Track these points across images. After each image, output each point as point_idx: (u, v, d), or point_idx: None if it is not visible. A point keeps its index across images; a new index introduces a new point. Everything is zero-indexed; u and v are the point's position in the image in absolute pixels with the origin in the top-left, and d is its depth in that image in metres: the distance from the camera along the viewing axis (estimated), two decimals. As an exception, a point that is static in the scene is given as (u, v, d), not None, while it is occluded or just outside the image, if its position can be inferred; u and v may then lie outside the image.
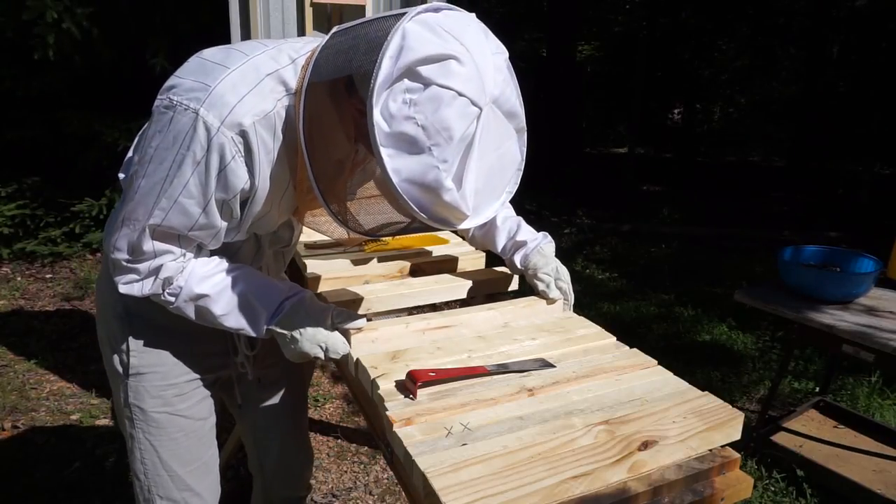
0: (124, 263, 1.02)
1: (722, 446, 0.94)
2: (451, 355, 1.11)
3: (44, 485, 2.30)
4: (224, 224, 1.03)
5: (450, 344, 1.16)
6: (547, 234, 1.41)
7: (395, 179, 0.82)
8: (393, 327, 1.18)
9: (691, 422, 0.92)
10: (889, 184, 8.49)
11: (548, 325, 1.26)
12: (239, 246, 1.16)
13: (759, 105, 13.31)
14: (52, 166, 4.64)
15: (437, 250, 1.69)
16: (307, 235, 1.74)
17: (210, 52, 0.97)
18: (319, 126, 0.91)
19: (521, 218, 1.43)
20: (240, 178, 0.96)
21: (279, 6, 2.50)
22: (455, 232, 1.48)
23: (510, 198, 0.98)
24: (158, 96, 0.95)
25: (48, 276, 4.51)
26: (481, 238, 1.47)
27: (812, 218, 6.99)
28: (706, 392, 1.01)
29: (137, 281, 1.04)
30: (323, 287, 1.45)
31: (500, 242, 1.40)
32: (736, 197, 8.30)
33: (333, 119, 0.94)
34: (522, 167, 0.98)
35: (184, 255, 1.04)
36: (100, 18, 3.91)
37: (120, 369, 1.20)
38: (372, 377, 1.02)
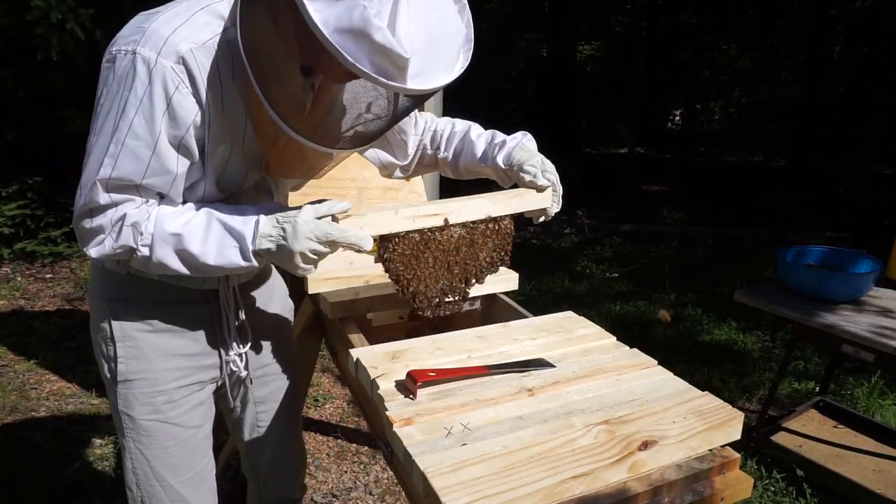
0: (88, 227, 0.98)
1: (722, 446, 0.94)
2: (451, 355, 1.11)
3: (44, 485, 2.30)
4: (181, 170, 0.99)
5: (450, 344, 1.16)
6: (527, 132, 1.33)
7: (325, 31, 0.81)
8: (381, 214, 1.12)
9: (691, 422, 0.92)
10: (889, 184, 8.49)
11: (548, 325, 1.26)
12: None
13: (760, 105, 13.31)
14: (53, 166, 4.64)
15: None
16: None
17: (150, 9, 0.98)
18: (263, 49, 0.90)
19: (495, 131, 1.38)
20: (188, 109, 0.94)
21: None
22: (443, 174, 1.43)
23: (461, 73, 0.95)
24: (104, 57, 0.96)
25: (48, 276, 4.51)
26: (462, 159, 1.37)
27: (812, 218, 6.99)
28: (706, 392, 1.01)
29: (104, 237, 0.98)
30: (323, 287, 1.45)
31: (479, 150, 1.32)
32: (736, 197, 8.30)
33: (276, 41, 0.91)
34: (472, 45, 0.96)
35: (146, 202, 0.99)
36: (102, 19, 3.91)
37: (109, 376, 1.19)
38: (372, 377, 1.02)
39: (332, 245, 1.00)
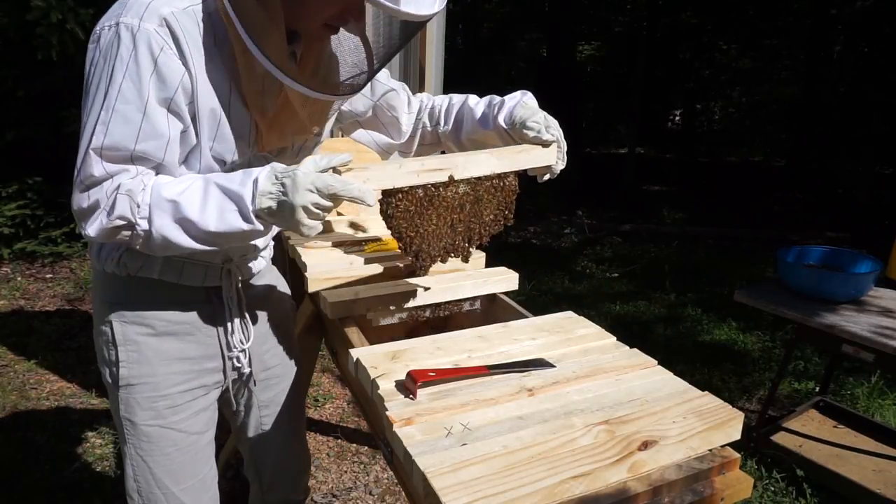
0: (85, 205, 0.96)
1: (722, 446, 0.93)
2: (451, 355, 1.11)
3: (44, 485, 2.30)
4: (173, 133, 0.98)
5: (450, 344, 1.16)
6: (526, 91, 1.30)
7: None
8: (385, 167, 1.09)
9: (691, 422, 0.92)
10: (889, 184, 8.49)
11: (548, 325, 1.26)
12: None
13: (760, 105, 13.31)
14: (53, 166, 4.64)
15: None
16: (307, 236, 1.74)
17: None
18: (248, 14, 0.93)
19: None
20: (174, 70, 0.95)
21: None
22: (448, 151, 1.42)
23: (444, 5, 0.98)
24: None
25: (48, 276, 4.52)
26: (463, 128, 1.34)
27: (812, 218, 6.99)
28: (706, 392, 1.01)
29: (100, 211, 0.95)
30: (323, 287, 1.45)
31: (479, 114, 1.29)
32: (736, 197, 8.31)
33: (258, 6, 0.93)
34: None
35: (140, 172, 0.97)
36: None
37: (110, 381, 1.18)
38: (372, 377, 1.02)
39: (335, 199, 0.95)
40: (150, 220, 0.94)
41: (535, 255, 5.62)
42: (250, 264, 1.29)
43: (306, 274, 1.47)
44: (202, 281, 1.18)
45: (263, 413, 1.40)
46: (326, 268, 1.50)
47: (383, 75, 1.32)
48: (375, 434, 1.16)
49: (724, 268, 5.24)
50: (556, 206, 7.37)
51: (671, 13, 11.95)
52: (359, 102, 1.32)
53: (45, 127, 4.55)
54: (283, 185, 0.93)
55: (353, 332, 1.31)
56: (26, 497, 2.24)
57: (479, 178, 1.19)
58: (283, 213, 0.94)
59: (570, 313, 1.33)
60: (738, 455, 0.93)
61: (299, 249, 1.62)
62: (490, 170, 1.19)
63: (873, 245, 3.48)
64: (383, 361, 1.07)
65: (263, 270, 1.38)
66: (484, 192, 1.20)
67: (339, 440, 2.67)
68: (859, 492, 2.25)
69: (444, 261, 1.22)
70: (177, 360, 1.18)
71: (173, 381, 1.18)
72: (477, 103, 1.31)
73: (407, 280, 1.51)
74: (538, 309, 1.52)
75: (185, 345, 1.19)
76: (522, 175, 1.25)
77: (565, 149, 1.26)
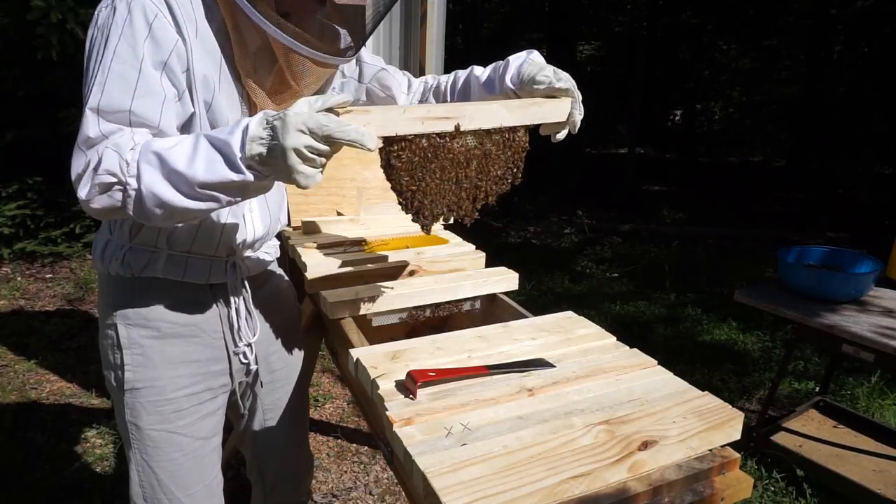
0: (80, 169, 0.93)
1: (722, 446, 0.94)
2: (451, 355, 1.11)
3: (44, 485, 2.30)
4: (169, 94, 0.98)
5: (450, 344, 1.16)
6: (532, 49, 1.25)
7: None
8: (387, 112, 1.01)
9: (691, 422, 0.92)
10: (889, 184, 8.49)
11: (548, 325, 1.26)
12: None
13: (760, 105, 13.32)
14: (53, 166, 4.63)
15: (437, 250, 1.69)
16: (307, 236, 1.74)
17: None
18: None
19: None
20: (168, 36, 0.96)
21: None
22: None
23: None
24: None
25: (48, 276, 4.51)
26: (470, 99, 1.30)
27: (812, 218, 6.99)
28: (706, 392, 1.01)
29: (90, 170, 0.92)
30: (322, 287, 1.45)
31: (484, 78, 1.26)
32: (736, 197, 8.31)
33: None
34: None
35: (135, 134, 0.95)
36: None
37: (115, 385, 1.17)
38: (372, 377, 1.02)
39: (330, 142, 0.86)
40: (138, 178, 0.90)
41: (535, 255, 5.62)
42: (254, 257, 1.28)
43: (306, 274, 1.47)
44: (206, 278, 1.17)
45: (267, 416, 1.39)
46: (326, 268, 1.50)
47: (372, 58, 1.33)
48: (375, 434, 1.16)
49: (724, 268, 5.24)
50: (556, 206, 7.37)
51: (671, 13, 11.96)
52: (350, 86, 1.33)
53: (45, 127, 4.54)
54: (273, 127, 0.86)
55: (353, 332, 1.31)
56: (26, 497, 2.24)
57: (487, 131, 1.11)
58: (274, 160, 0.86)
59: (570, 313, 1.33)
60: (738, 455, 0.93)
61: (299, 249, 1.62)
62: (500, 122, 1.11)
63: (873, 245, 3.48)
64: (383, 361, 1.07)
65: (270, 272, 1.37)
66: (493, 147, 1.12)
67: (339, 440, 2.67)
68: (859, 492, 2.25)
69: (446, 220, 1.14)
70: (182, 363, 1.17)
71: (179, 384, 1.17)
72: (483, 71, 1.28)
73: (407, 280, 1.51)
74: (538, 309, 1.52)
75: (191, 347, 1.18)
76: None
77: (580, 98, 1.17)
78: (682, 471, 0.87)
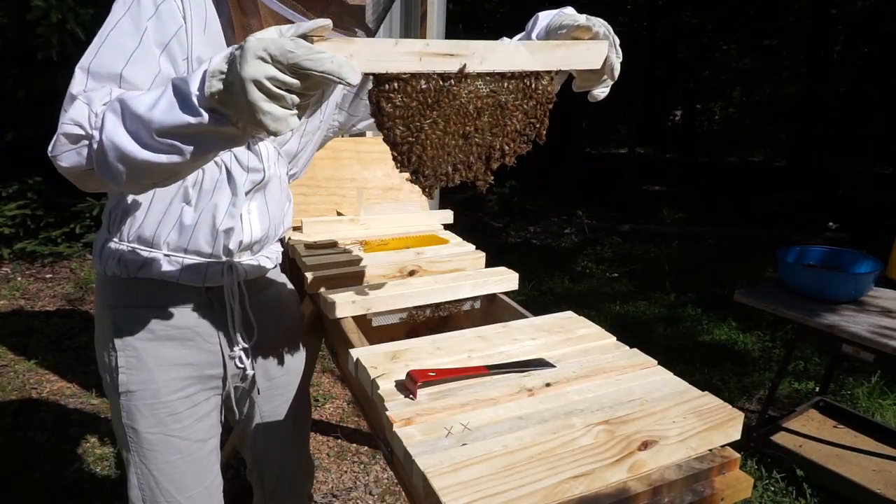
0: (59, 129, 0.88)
1: (722, 446, 0.93)
2: (451, 355, 1.11)
3: (44, 485, 2.30)
4: (164, 69, 0.95)
5: (450, 344, 1.16)
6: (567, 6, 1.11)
7: None
8: (377, 45, 0.82)
9: (691, 422, 0.92)
10: (889, 184, 8.49)
11: (548, 325, 1.26)
12: (200, 174, 1.08)
13: (760, 105, 13.32)
14: (53, 167, 4.64)
15: (437, 250, 1.69)
16: (307, 236, 1.74)
17: None
18: None
19: None
20: (174, 20, 0.96)
21: None
22: None
23: None
24: None
25: (48, 276, 4.51)
26: None
27: (812, 218, 6.99)
28: (706, 392, 1.01)
29: (62, 124, 0.86)
30: (322, 287, 1.45)
31: (517, 38, 1.11)
32: (736, 197, 8.31)
33: None
34: None
35: (113, 90, 0.89)
36: (102, 20, 3.92)
37: (111, 387, 1.16)
38: (372, 377, 1.02)
39: (300, 73, 0.70)
40: (101, 128, 0.81)
41: (535, 255, 5.62)
42: (253, 261, 1.25)
43: (306, 274, 1.47)
44: (202, 280, 1.16)
45: (266, 422, 1.38)
46: (326, 268, 1.50)
47: None
48: (375, 434, 1.15)
49: (724, 268, 5.24)
50: (556, 206, 7.37)
51: (671, 13, 11.95)
52: (347, 98, 1.33)
53: (45, 127, 4.53)
54: (233, 57, 0.72)
55: (353, 332, 1.31)
56: (26, 497, 2.24)
57: (502, 76, 0.94)
58: (233, 96, 0.72)
59: (570, 313, 1.33)
60: (738, 455, 0.93)
61: (299, 249, 1.62)
62: (518, 65, 0.93)
63: (873, 245, 3.48)
64: (383, 361, 1.07)
65: (270, 279, 1.34)
66: (509, 96, 0.96)
67: (339, 440, 2.67)
68: (859, 492, 2.25)
69: (453, 182, 0.97)
70: (176, 365, 1.16)
71: (174, 387, 1.16)
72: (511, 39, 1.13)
73: (407, 280, 1.51)
74: (538, 309, 1.52)
75: (186, 350, 1.17)
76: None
77: (618, 43, 0.99)
78: (682, 471, 0.87)
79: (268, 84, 0.70)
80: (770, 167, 11.31)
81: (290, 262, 1.68)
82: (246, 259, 1.22)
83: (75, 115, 0.85)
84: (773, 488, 2.37)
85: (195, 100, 0.75)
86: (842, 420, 2.73)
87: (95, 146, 0.83)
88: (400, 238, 1.77)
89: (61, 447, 2.54)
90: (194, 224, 1.11)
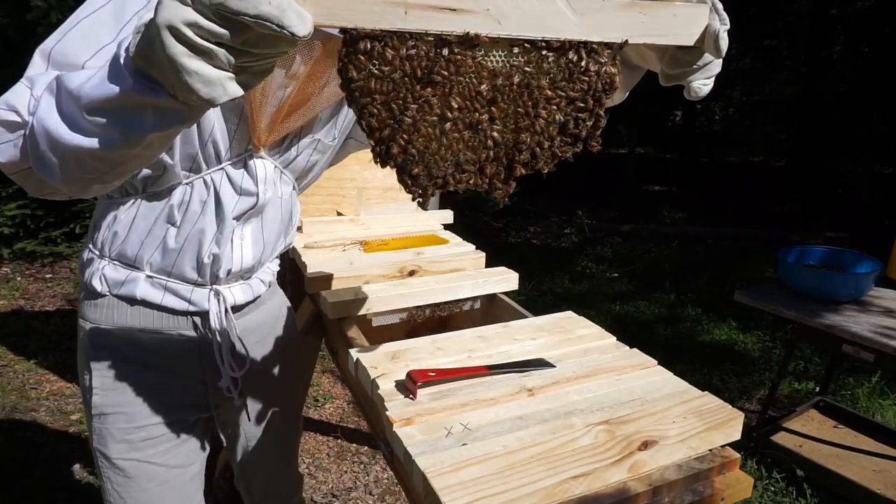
0: None
1: (722, 446, 0.93)
2: (451, 355, 1.11)
3: (44, 485, 2.30)
4: None
5: (450, 344, 1.16)
6: None
7: None
8: None
9: (691, 422, 0.92)
10: (889, 184, 8.50)
11: (548, 325, 1.26)
12: (187, 193, 0.97)
13: (760, 105, 13.32)
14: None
15: (437, 250, 1.69)
16: (307, 236, 1.74)
17: None
18: None
19: None
20: None
21: None
22: None
23: None
24: None
25: (48, 276, 4.51)
26: None
27: (812, 218, 6.99)
28: (706, 392, 1.01)
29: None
30: (322, 287, 1.45)
31: None
32: (736, 197, 8.31)
33: None
34: None
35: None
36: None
37: (86, 408, 1.08)
38: (372, 377, 1.02)
39: (228, 19, 0.52)
40: (36, 112, 0.69)
41: (535, 255, 5.62)
42: (244, 285, 1.13)
43: (306, 274, 1.47)
44: (187, 305, 1.06)
45: (251, 443, 1.28)
46: (326, 268, 1.50)
47: None
48: (375, 434, 1.15)
49: (724, 268, 5.24)
50: (556, 206, 7.37)
51: None
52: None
53: (45, 127, 4.55)
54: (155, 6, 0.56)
55: (353, 332, 1.31)
56: (26, 497, 2.24)
57: (533, 45, 0.66)
58: (153, 50, 0.55)
59: (570, 313, 1.33)
60: (738, 455, 0.93)
61: (299, 249, 1.62)
62: (557, 31, 0.65)
63: (873, 245, 3.48)
64: (383, 361, 1.07)
65: (263, 297, 1.21)
66: (543, 76, 0.68)
67: (339, 440, 2.67)
68: (859, 492, 2.25)
69: (456, 188, 0.72)
70: (155, 389, 1.08)
71: (150, 411, 1.07)
72: None
73: (407, 280, 1.51)
74: (538, 309, 1.52)
75: (167, 376, 1.09)
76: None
77: (720, 6, 0.70)
78: (682, 471, 0.87)
79: (188, 33, 0.53)
80: (770, 167, 11.31)
81: (290, 262, 1.68)
82: (237, 285, 1.12)
83: (12, 99, 0.73)
84: (773, 488, 2.37)
85: (122, 63, 0.60)
86: (842, 420, 2.73)
87: (29, 140, 0.71)
88: (400, 238, 1.77)
89: (61, 447, 2.54)
90: (179, 248, 1.02)
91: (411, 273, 1.56)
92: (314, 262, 1.52)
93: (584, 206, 7.29)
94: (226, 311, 1.09)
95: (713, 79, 0.74)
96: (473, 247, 1.72)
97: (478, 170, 0.71)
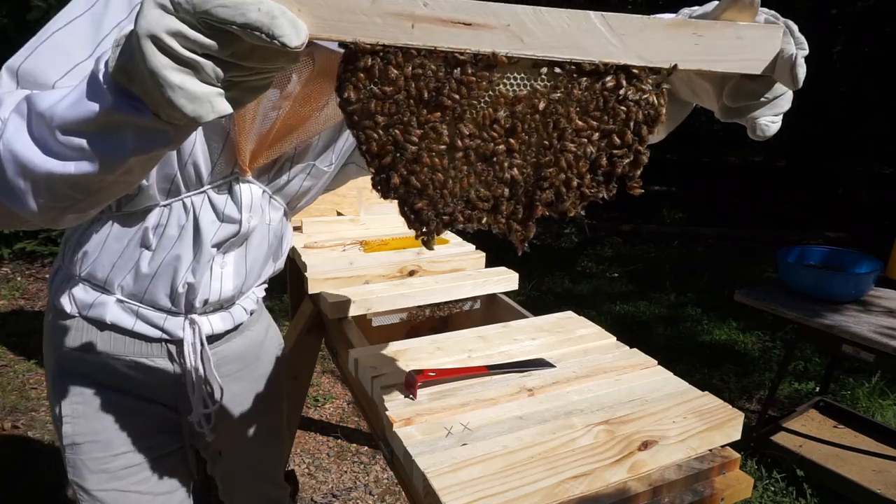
0: None
1: (722, 446, 0.93)
2: (451, 355, 1.11)
3: (44, 485, 2.30)
4: None
5: (450, 344, 1.16)
6: None
7: None
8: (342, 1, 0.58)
9: (691, 422, 0.92)
10: (889, 184, 8.49)
11: (548, 325, 1.26)
12: (164, 216, 0.91)
13: (760, 105, 13.30)
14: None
15: (437, 250, 1.69)
16: (307, 236, 1.74)
17: None
18: None
19: None
20: None
21: None
22: None
23: None
24: None
25: (48, 276, 4.52)
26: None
27: (812, 218, 6.99)
28: (706, 392, 1.01)
29: None
30: (323, 287, 1.45)
31: (685, 12, 0.71)
32: (736, 197, 8.31)
33: None
34: None
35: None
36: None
37: (59, 438, 1.01)
38: (372, 377, 1.02)
39: (211, 27, 0.47)
40: (3, 130, 0.62)
41: (535, 255, 5.62)
42: (221, 316, 1.06)
43: (306, 274, 1.47)
44: (160, 333, 0.99)
45: (231, 466, 1.21)
46: (326, 268, 1.50)
47: None
48: (375, 434, 1.15)
49: (724, 268, 5.23)
50: (556, 206, 7.37)
51: (672, 13, 11.94)
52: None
53: (45, 127, 4.55)
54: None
55: (353, 332, 1.31)
56: (26, 497, 2.24)
57: (562, 68, 0.58)
58: (133, 63, 0.50)
59: (570, 313, 1.33)
60: (738, 455, 0.93)
61: (299, 249, 1.62)
62: (590, 54, 0.57)
63: (873, 245, 3.48)
64: (383, 361, 1.07)
65: (246, 323, 1.13)
66: (572, 103, 0.60)
67: (339, 440, 2.67)
68: (859, 492, 2.25)
69: (468, 226, 0.66)
70: (130, 413, 1.01)
71: (126, 437, 1.01)
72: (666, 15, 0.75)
73: (407, 280, 1.51)
74: (538, 309, 1.52)
75: (140, 401, 1.03)
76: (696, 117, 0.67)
77: (796, 29, 0.60)
78: (682, 471, 0.87)
79: (171, 43, 0.47)
80: (770, 167, 11.31)
81: (290, 262, 1.68)
82: (214, 314, 1.04)
83: None
84: (773, 488, 2.37)
85: (101, 79, 0.54)
86: (842, 420, 2.73)
87: None
88: (400, 238, 1.78)
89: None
90: (152, 274, 0.94)
91: (411, 273, 1.56)
92: (314, 262, 1.52)
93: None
94: (201, 342, 1.02)
95: (781, 115, 0.64)
96: (473, 247, 1.72)
97: (492, 208, 0.65)
